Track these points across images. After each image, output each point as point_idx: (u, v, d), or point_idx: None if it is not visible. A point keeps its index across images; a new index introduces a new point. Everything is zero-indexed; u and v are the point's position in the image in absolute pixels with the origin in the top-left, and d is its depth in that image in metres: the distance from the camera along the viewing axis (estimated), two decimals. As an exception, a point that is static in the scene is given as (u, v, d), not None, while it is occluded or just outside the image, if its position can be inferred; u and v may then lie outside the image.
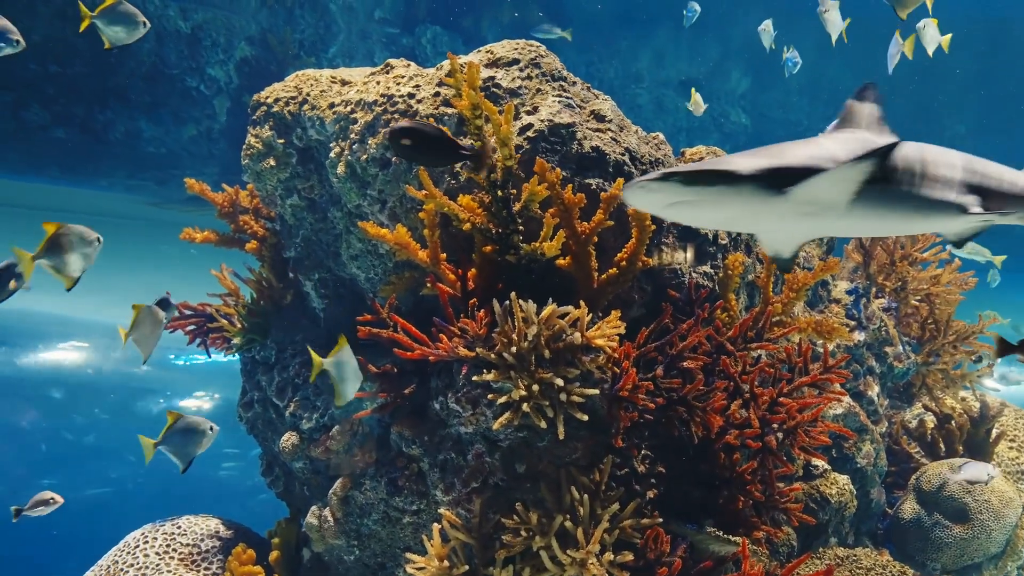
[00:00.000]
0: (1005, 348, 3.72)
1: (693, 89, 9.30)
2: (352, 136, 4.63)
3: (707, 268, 4.75)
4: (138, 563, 5.19)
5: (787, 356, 4.50)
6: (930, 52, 7.55)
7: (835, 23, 7.85)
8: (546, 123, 4.25)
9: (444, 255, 4.17)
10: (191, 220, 6.32)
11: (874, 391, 6.56)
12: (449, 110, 4.40)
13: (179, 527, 5.46)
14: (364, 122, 4.59)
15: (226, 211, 5.57)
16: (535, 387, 3.74)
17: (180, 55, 11.49)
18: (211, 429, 4.46)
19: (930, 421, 7.08)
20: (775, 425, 4.19)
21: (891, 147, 2.53)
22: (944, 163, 2.91)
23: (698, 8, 9.49)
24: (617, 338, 3.93)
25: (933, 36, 7.50)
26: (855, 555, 5.48)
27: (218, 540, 5.43)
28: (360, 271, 4.87)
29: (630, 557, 3.75)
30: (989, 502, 6.05)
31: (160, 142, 12.09)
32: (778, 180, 2.60)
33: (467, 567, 3.97)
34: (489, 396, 3.90)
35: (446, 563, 3.98)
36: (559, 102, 4.36)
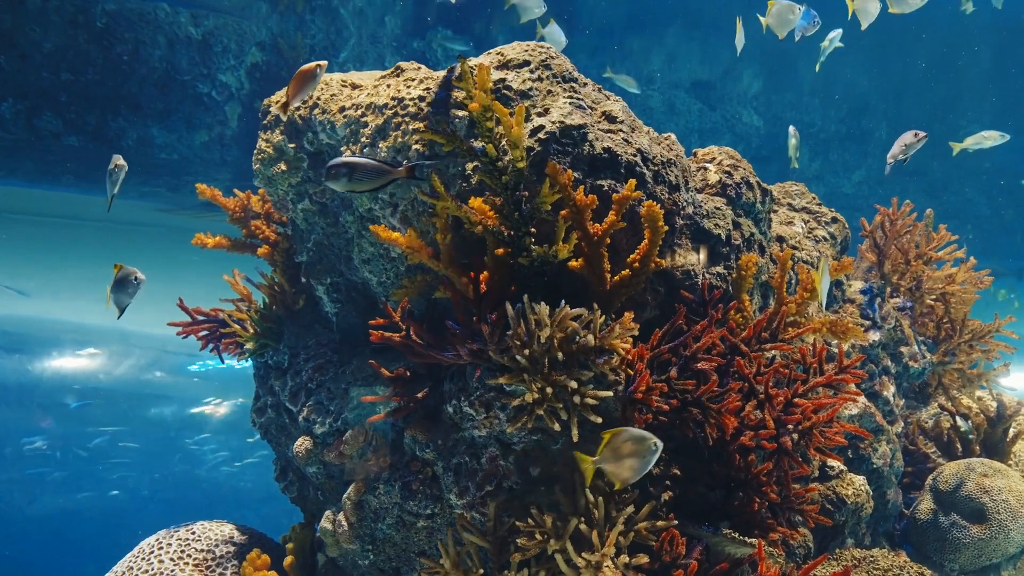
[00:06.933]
0: None
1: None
2: (363, 140, 4.63)
3: (720, 269, 4.72)
4: (153, 569, 5.19)
5: (802, 357, 4.47)
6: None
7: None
8: (557, 125, 4.23)
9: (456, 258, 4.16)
10: (203, 226, 6.33)
11: (889, 391, 6.52)
12: (460, 112, 4.39)
13: (193, 533, 5.47)
14: (375, 125, 4.58)
15: (238, 216, 5.59)
16: (548, 390, 3.73)
17: (191, 61, 11.51)
18: None
19: (946, 421, 7.04)
20: (790, 426, 4.16)
21: None
22: None
23: None
24: (631, 340, 3.91)
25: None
26: (872, 556, 5.45)
27: (232, 545, 5.43)
28: (372, 275, 4.87)
29: (645, 559, 3.73)
30: (1007, 502, 6.00)
31: (172, 148, 12.11)
32: None
33: (482, 571, 3.96)
34: (503, 399, 3.89)
35: (460, 567, 3.97)
36: (570, 103, 4.34)
